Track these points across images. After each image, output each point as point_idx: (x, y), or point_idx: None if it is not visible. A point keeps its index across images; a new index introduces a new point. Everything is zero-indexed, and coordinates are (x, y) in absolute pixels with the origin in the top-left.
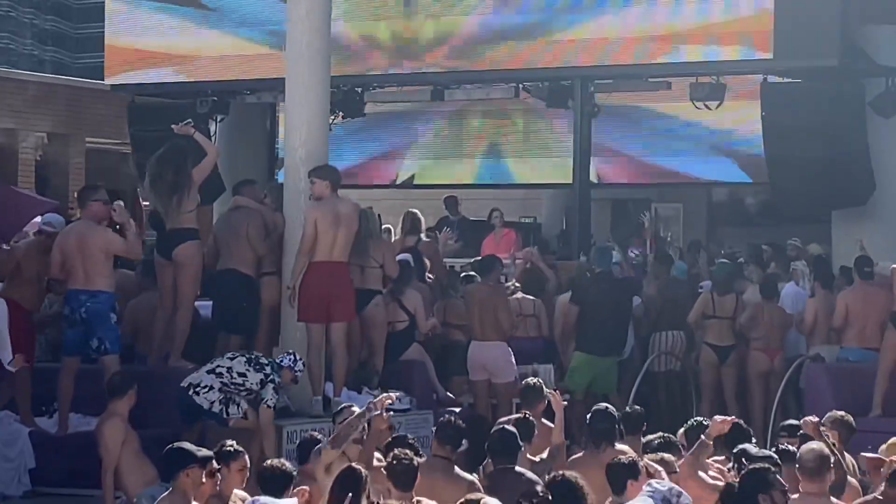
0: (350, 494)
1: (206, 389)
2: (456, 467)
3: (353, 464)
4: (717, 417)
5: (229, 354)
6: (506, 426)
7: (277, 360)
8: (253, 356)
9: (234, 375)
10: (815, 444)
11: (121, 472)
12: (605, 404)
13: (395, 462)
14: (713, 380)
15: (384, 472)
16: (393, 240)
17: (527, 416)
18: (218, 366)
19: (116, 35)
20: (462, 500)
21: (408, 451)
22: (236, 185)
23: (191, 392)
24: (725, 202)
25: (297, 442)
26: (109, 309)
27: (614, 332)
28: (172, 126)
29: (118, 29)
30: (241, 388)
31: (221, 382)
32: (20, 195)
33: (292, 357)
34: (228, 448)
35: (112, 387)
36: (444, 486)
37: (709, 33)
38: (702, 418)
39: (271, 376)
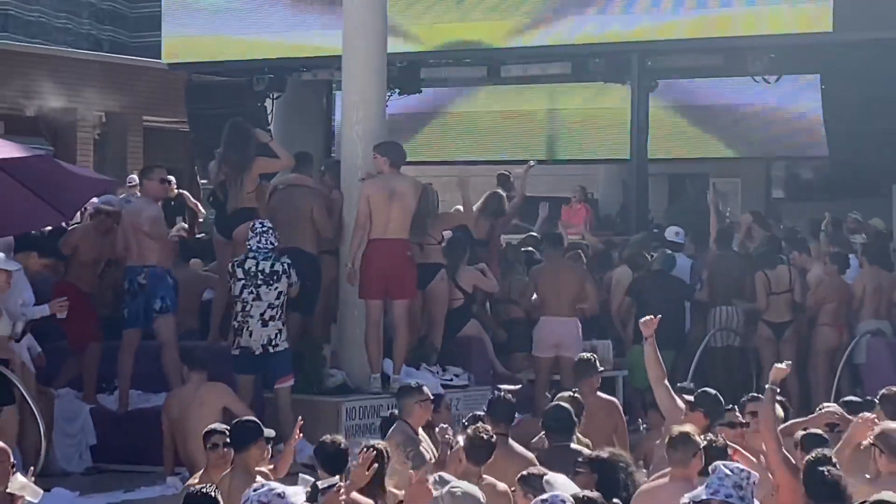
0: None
1: (276, 333)
2: (512, 441)
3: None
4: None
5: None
6: (561, 403)
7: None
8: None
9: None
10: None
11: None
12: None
13: (474, 436)
14: (772, 355)
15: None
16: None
17: (575, 394)
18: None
19: (172, 18)
20: (526, 471)
21: (488, 428)
22: (295, 157)
23: (271, 350)
24: (783, 176)
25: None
26: (165, 273)
27: (673, 327)
28: (257, 131)
29: (174, 13)
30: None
31: (269, 304)
32: (78, 174)
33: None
34: (251, 425)
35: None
36: (504, 462)
37: (767, 8)
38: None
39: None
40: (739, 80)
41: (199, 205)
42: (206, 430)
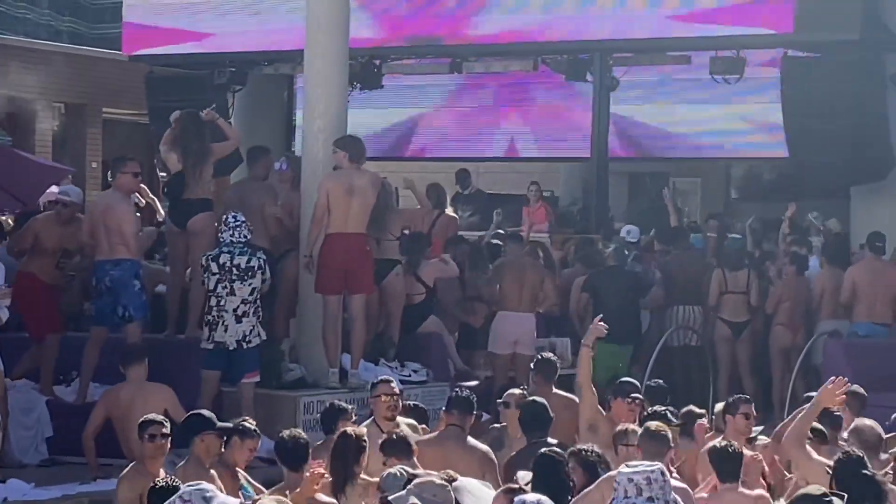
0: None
1: (250, 329)
2: (469, 437)
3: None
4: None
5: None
6: (536, 399)
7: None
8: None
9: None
10: (869, 421)
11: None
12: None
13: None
14: (728, 354)
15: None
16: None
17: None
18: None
19: (134, 11)
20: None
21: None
22: (250, 151)
23: (244, 346)
24: (744, 176)
25: (320, 411)
26: (132, 276)
27: (629, 322)
28: (202, 113)
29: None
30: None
31: (243, 300)
32: (36, 162)
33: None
34: (246, 424)
35: (128, 355)
36: (458, 454)
37: (728, 9)
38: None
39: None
40: (700, 79)
41: (156, 201)
42: (141, 420)
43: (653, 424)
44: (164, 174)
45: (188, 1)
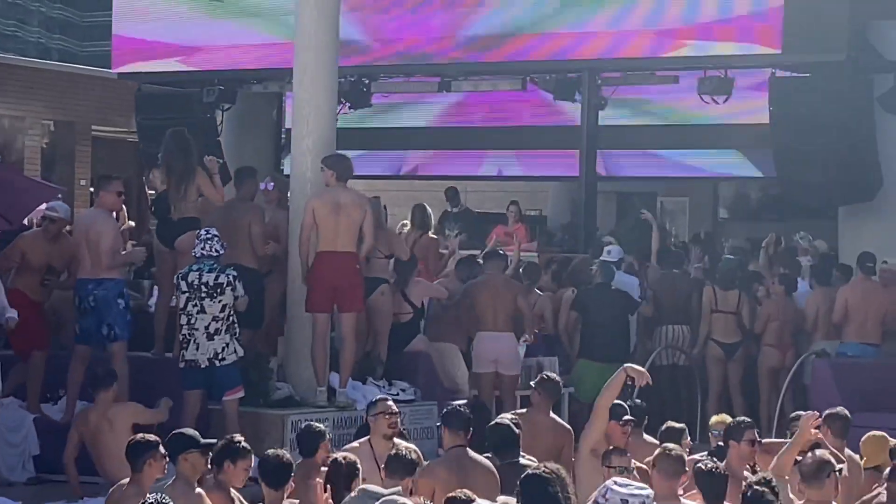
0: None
1: (223, 347)
2: (472, 452)
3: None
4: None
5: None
6: (500, 421)
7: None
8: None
9: (204, 287)
10: (818, 451)
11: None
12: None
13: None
14: (719, 375)
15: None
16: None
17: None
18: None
19: (123, 25)
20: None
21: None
22: (237, 172)
23: (217, 364)
24: (732, 196)
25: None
26: (116, 295)
27: (618, 339)
28: (208, 158)
29: (125, 18)
30: (216, 290)
31: (214, 317)
32: (26, 179)
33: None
34: (237, 444)
35: (96, 379)
36: (473, 473)
37: (716, 29)
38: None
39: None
40: (689, 99)
41: (132, 225)
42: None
43: (671, 445)
44: (152, 192)
45: (177, 12)
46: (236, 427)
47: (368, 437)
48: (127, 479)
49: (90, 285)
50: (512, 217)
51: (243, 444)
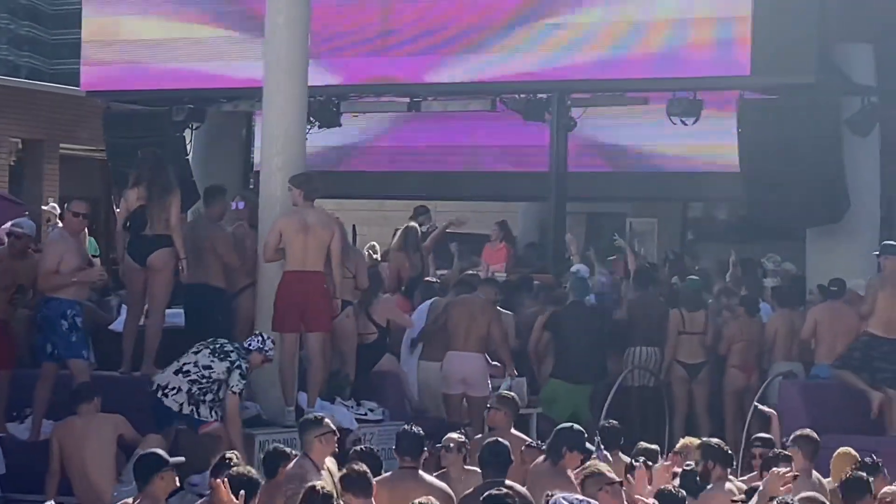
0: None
1: (175, 391)
2: (423, 474)
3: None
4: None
5: (193, 348)
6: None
7: (245, 345)
8: (217, 345)
9: (201, 369)
10: (811, 494)
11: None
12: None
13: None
14: (684, 396)
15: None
16: (376, 255)
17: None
18: (184, 364)
19: (92, 43)
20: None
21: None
22: (207, 190)
23: (159, 395)
24: (701, 217)
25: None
26: (59, 315)
27: (592, 359)
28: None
29: (94, 37)
30: (210, 381)
31: (189, 381)
32: None
33: (260, 339)
34: (228, 460)
35: (77, 394)
36: (416, 494)
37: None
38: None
39: (237, 363)
40: (657, 120)
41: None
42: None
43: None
44: (118, 210)
45: (146, 38)
46: (223, 448)
47: (304, 452)
48: (131, 500)
49: (40, 303)
50: (494, 234)
51: (236, 460)
